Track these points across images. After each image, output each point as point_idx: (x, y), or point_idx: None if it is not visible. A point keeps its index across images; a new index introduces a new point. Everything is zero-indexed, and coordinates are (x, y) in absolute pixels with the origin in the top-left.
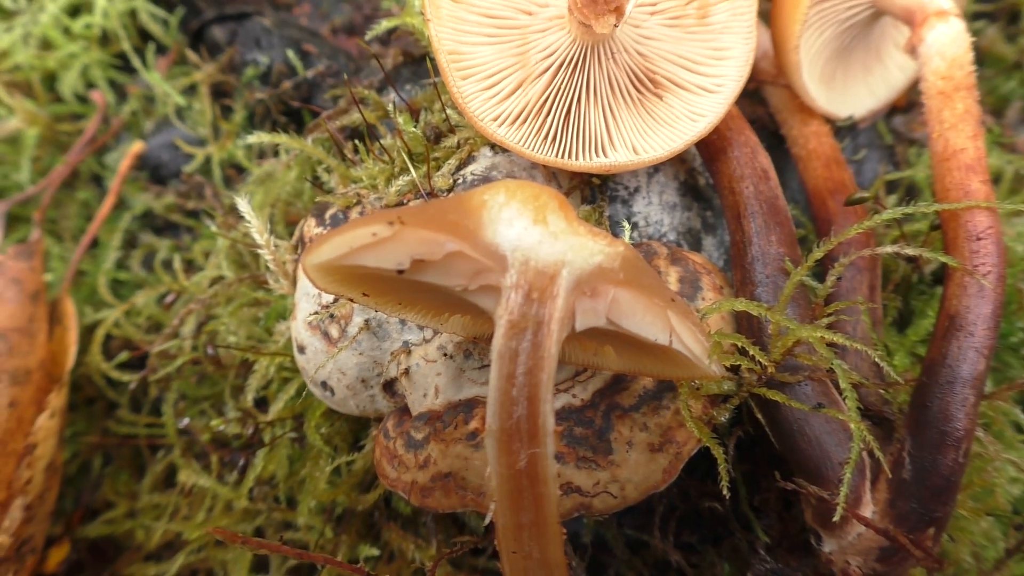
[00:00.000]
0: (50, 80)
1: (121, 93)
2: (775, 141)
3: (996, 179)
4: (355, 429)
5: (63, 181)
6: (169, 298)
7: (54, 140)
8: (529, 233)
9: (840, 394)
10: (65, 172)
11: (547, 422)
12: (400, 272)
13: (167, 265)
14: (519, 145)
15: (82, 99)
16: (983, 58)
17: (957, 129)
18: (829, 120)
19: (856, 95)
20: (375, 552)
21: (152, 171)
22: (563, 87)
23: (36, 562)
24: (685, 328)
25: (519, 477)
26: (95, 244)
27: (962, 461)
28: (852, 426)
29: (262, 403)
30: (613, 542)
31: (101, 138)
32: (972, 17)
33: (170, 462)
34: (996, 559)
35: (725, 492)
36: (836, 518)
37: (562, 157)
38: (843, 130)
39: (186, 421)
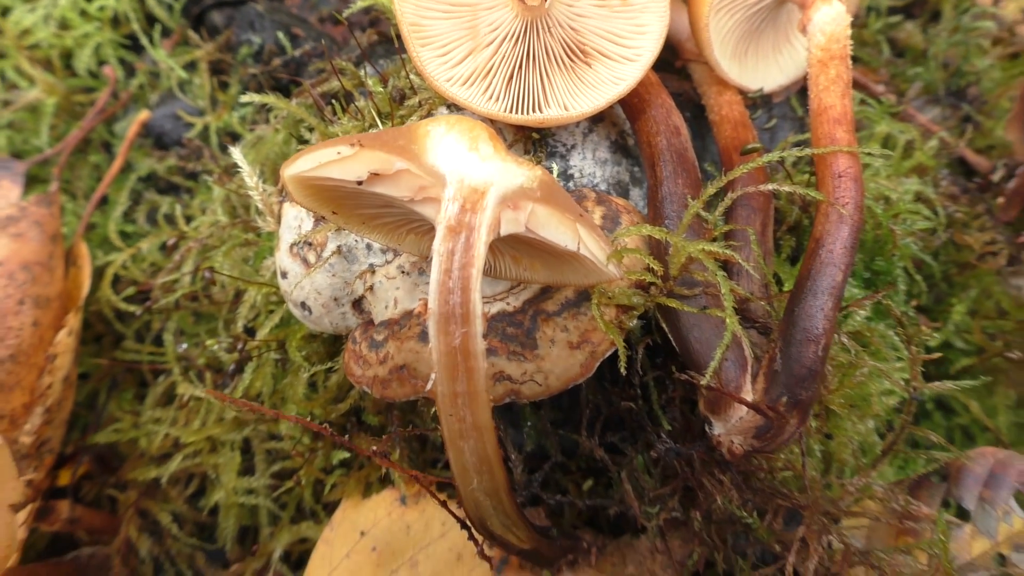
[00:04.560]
0: (67, 57)
1: (130, 70)
2: (699, 112)
3: (891, 145)
4: (331, 352)
5: (76, 146)
6: (170, 242)
7: (69, 110)
8: (464, 158)
9: None
10: (79, 136)
11: (476, 308)
12: (359, 184)
13: (169, 219)
14: (467, 102)
15: (94, 75)
16: (903, 50)
17: (829, 90)
18: (742, 92)
19: (767, 71)
20: (346, 455)
21: (156, 139)
22: (506, 56)
23: (53, 462)
24: (590, 237)
25: (454, 352)
26: (104, 201)
27: (821, 355)
28: (727, 320)
29: (251, 333)
30: (550, 447)
31: (111, 109)
32: (888, 11)
33: (170, 383)
34: (873, 459)
35: (622, 371)
36: (703, 382)
37: (504, 112)
38: (761, 104)
39: (184, 347)
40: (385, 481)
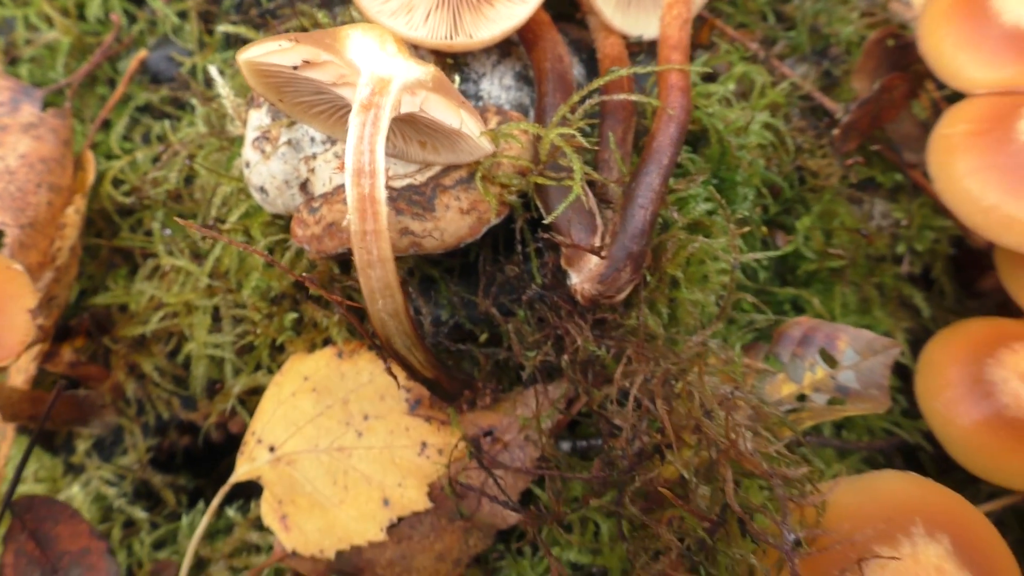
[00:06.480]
0: (80, 6)
1: (131, 17)
2: (593, 55)
3: (750, 87)
4: (285, 235)
5: (85, 79)
6: (160, 150)
7: (81, 49)
8: (375, 54)
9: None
10: (87, 70)
11: (380, 165)
12: (295, 68)
13: (160, 138)
14: (392, 30)
15: (102, 21)
16: (789, 21)
17: (671, 24)
18: (625, 37)
19: (647, 22)
20: (295, 315)
21: (152, 76)
22: None
23: (59, 315)
24: (470, 118)
25: (364, 199)
26: (107, 125)
27: (650, 218)
28: (574, 186)
29: (222, 222)
30: (457, 311)
31: (115, 49)
32: None
33: (157, 263)
34: (710, 321)
35: (493, 221)
36: (547, 220)
37: (422, 38)
38: (645, 51)
39: (169, 232)
40: (327, 344)
